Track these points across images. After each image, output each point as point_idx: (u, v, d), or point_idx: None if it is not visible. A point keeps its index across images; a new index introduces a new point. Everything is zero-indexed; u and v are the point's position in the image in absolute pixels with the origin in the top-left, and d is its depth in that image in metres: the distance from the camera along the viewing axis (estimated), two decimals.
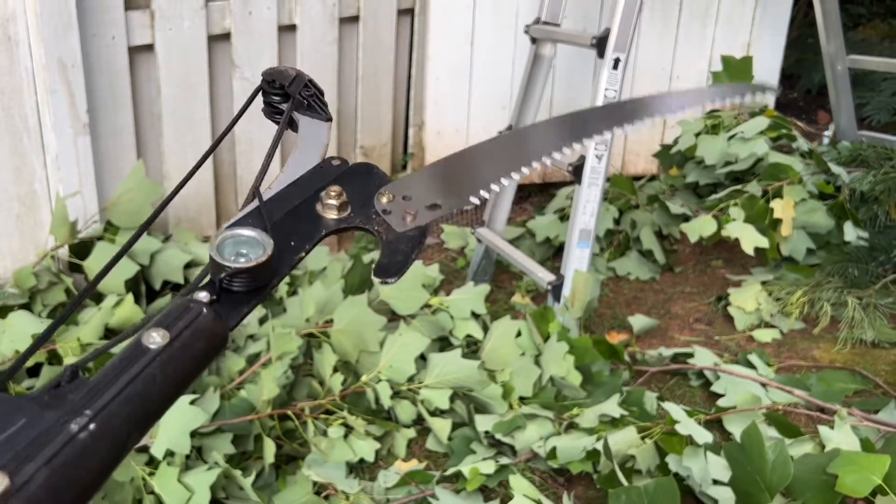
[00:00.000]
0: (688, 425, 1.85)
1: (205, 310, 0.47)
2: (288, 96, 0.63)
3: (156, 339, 0.44)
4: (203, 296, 0.48)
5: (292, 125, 0.64)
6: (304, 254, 0.54)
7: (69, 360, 1.93)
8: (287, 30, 2.83)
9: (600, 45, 2.31)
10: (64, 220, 2.23)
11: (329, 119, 0.64)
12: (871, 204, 3.00)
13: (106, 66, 2.39)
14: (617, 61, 2.31)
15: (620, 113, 0.71)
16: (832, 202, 2.88)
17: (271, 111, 0.66)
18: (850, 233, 2.81)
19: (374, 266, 0.55)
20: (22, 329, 1.93)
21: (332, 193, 0.56)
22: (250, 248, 0.51)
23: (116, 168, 2.49)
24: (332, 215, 0.56)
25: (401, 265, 0.55)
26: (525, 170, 0.63)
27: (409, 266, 0.55)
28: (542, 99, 2.95)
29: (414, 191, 0.59)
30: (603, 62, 2.32)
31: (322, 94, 0.64)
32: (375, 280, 0.55)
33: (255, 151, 2.85)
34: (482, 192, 0.60)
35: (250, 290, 0.50)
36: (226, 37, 2.67)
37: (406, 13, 3.22)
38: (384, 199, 0.58)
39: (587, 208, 2.40)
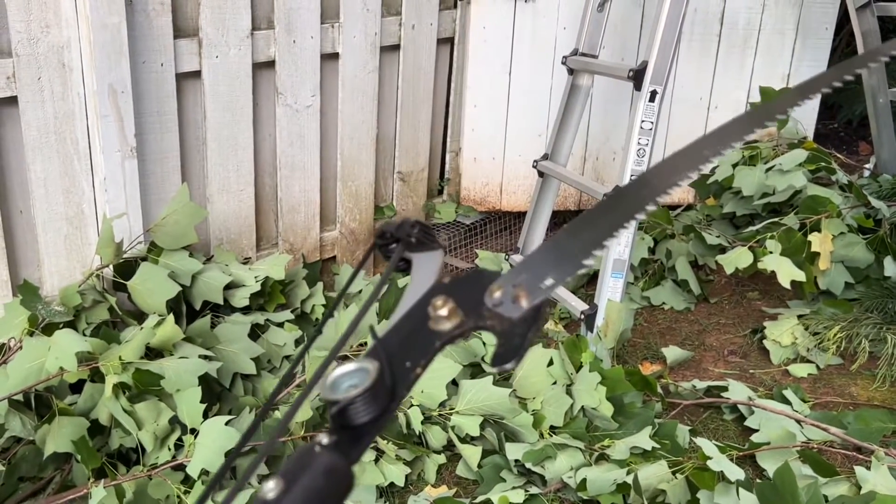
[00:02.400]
0: (720, 461, 1.83)
1: (317, 449, 0.48)
2: (399, 241, 0.67)
3: (271, 489, 0.46)
4: (323, 437, 0.50)
5: (406, 267, 0.67)
6: (420, 370, 0.55)
7: (111, 378, 1.98)
8: (329, 58, 2.89)
9: (637, 77, 2.33)
10: (110, 240, 2.29)
11: (441, 247, 0.67)
12: None
13: (154, 91, 2.47)
14: (654, 94, 2.32)
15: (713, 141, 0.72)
16: (872, 236, 2.85)
17: (389, 256, 0.70)
18: (891, 268, 2.77)
19: (491, 357, 0.56)
20: (66, 347, 1.99)
21: (438, 305, 0.57)
22: (358, 378, 0.52)
23: (162, 190, 2.56)
24: (443, 326, 0.57)
25: (517, 348, 0.55)
26: (629, 223, 0.64)
27: (526, 348, 0.55)
28: (579, 128, 2.98)
29: (524, 276, 0.59)
30: (640, 94, 2.34)
31: (430, 228, 0.68)
32: (492, 370, 0.56)
33: (295, 175, 2.91)
34: (594, 253, 0.61)
35: (369, 419, 0.51)
36: (270, 64, 2.73)
37: (445, 42, 3.27)
38: (496, 294, 0.58)
39: (622, 239, 2.41)
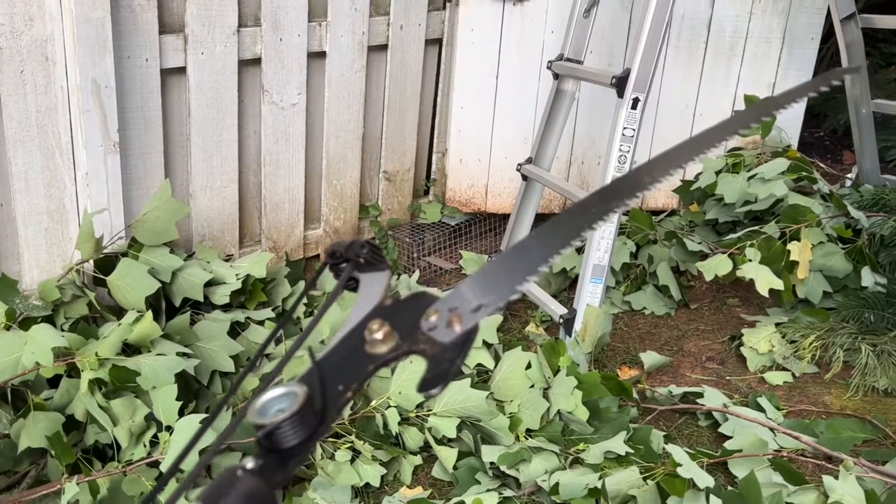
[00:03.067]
0: (690, 469, 1.85)
1: (239, 473, 0.49)
2: (348, 260, 0.68)
3: None
4: (250, 461, 0.51)
5: (356, 286, 0.67)
6: (350, 394, 0.56)
7: (87, 374, 1.98)
8: (316, 56, 2.90)
9: (620, 84, 2.34)
10: (90, 235, 2.29)
11: (389, 267, 0.67)
12: (892, 249, 2.98)
13: (139, 87, 2.46)
14: (636, 101, 2.34)
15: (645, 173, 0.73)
16: (851, 246, 2.88)
17: (338, 275, 0.71)
18: (868, 278, 2.80)
19: (419, 382, 0.56)
20: (43, 341, 1.99)
21: (374, 328, 0.58)
22: (287, 402, 0.53)
23: (144, 186, 2.56)
24: (378, 350, 0.57)
25: (444, 374, 0.55)
26: (564, 250, 0.65)
27: (452, 373, 0.56)
28: (564, 132, 2.99)
29: (459, 300, 0.60)
30: (622, 101, 2.35)
31: (379, 248, 0.68)
32: (419, 394, 0.56)
33: (280, 173, 2.91)
34: (528, 279, 0.62)
35: (297, 443, 0.52)
36: (256, 62, 2.74)
37: (434, 43, 3.27)
38: (432, 318, 0.59)
39: (601, 244, 2.43)
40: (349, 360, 0.57)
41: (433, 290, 0.64)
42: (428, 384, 0.55)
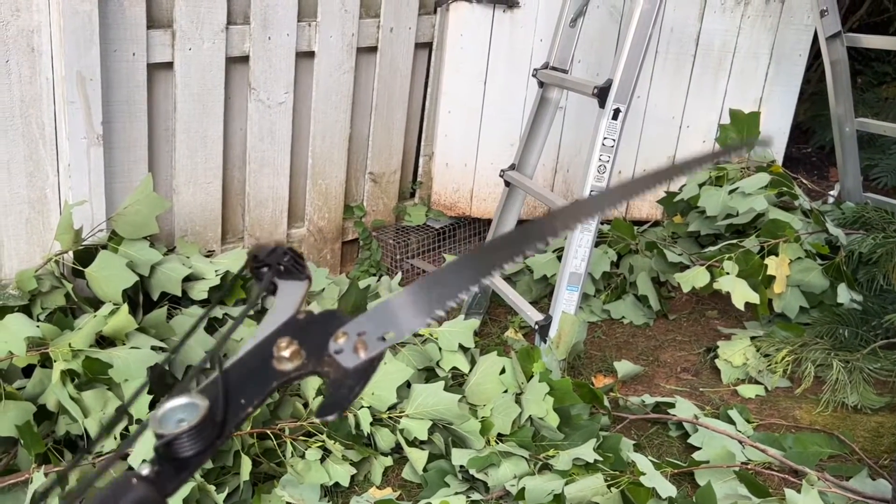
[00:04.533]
0: (653, 477, 1.87)
1: (134, 481, 0.50)
2: (268, 265, 0.68)
3: None
4: (145, 467, 0.52)
5: (273, 289, 0.68)
6: (251, 409, 0.56)
7: (59, 364, 1.99)
8: (305, 56, 2.91)
9: (601, 95, 2.36)
10: (69, 226, 2.30)
11: (308, 278, 0.67)
12: (871, 267, 3.01)
13: (125, 80, 2.47)
14: (617, 112, 2.36)
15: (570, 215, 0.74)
16: (829, 263, 2.90)
17: (259, 278, 0.71)
18: (844, 295, 2.83)
19: (318, 407, 0.58)
20: (16, 331, 2.00)
21: (282, 345, 0.58)
22: (188, 413, 0.53)
23: (127, 179, 2.57)
24: (284, 367, 0.58)
25: (343, 400, 0.56)
26: (473, 287, 0.66)
27: (352, 401, 0.57)
28: (550, 140, 3.01)
29: (368, 325, 0.60)
30: (603, 112, 2.37)
31: (301, 257, 0.69)
32: (316, 420, 0.57)
33: (264, 170, 2.92)
34: (437, 312, 0.62)
35: (194, 453, 0.52)
36: (244, 59, 2.75)
37: (423, 47, 3.29)
38: (339, 340, 0.59)
39: (578, 253, 2.44)
40: (255, 374, 0.58)
41: (343, 313, 0.65)
42: (326, 409, 0.56)
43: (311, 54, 2.92)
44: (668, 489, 1.88)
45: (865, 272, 3.00)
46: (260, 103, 2.83)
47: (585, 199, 0.82)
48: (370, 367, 0.58)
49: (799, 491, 1.93)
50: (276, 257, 0.67)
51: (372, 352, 0.58)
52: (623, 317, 3.09)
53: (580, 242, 2.44)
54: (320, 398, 2.23)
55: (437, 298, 0.63)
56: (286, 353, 0.58)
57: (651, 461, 1.99)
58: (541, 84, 2.77)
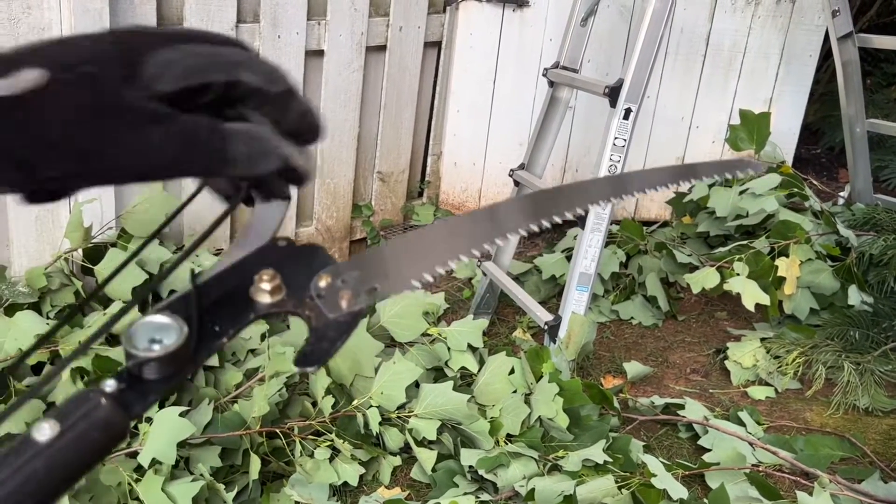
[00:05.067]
0: (664, 479, 1.86)
1: (103, 400, 0.45)
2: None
3: (45, 431, 0.42)
4: (110, 384, 0.46)
5: (249, 201, 0.62)
6: (226, 339, 0.52)
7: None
8: (314, 55, 2.91)
9: (612, 94, 2.35)
10: (78, 224, 2.30)
11: (288, 198, 0.64)
12: (881, 269, 2.99)
13: None
14: (628, 111, 2.35)
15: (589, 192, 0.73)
16: (839, 264, 2.88)
17: (233, 188, 0.67)
18: (854, 297, 2.81)
19: (297, 354, 0.53)
20: (26, 328, 2.00)
21: (265, 277, 0.54)
22: (164, 334, 0.49)
23: None
24: (264, 300, 0.54)
25: (324, 353, 0.52)
26: (475, 251, 0.63)
27: (333, 354, 0.52)
28: (560, 140, 3.00)
29: (354, 273, 0.56)
30: (614, 111, 2.36)
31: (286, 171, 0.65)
32: (295, 369, 0.54)
33: None
34: (426, 276, 0.57)
35: (163, 378, 0.48)
36: None
37: (433, 46, 3.28)
38: (322, 283, 0.55)
39: (588, 253, 2.43)
40: (232, 301, 0.53)
41: (326, 252, 0.61)
42: (306, 360, 0.52)
43: (320, 53, 2.92)
44: (679, 491, 1.87)
45: (876, 274, 2.98)
46: None
47: (628, 173, 0.77)
48: (353, 321, 0.54)
49: (811, 493, 1.91)
50: None
51: (356, 304, 0.54)
52: (632, 317, 3.08)
53: (590, 242, 2.43)
54: (329, 398, 2.23)
55: (434, 258, 0.59)
56: (267, 286, 0.54)
57: (662, 462, 1.98)
58: (551, 83, 2.76)
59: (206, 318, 0.52)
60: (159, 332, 0.49)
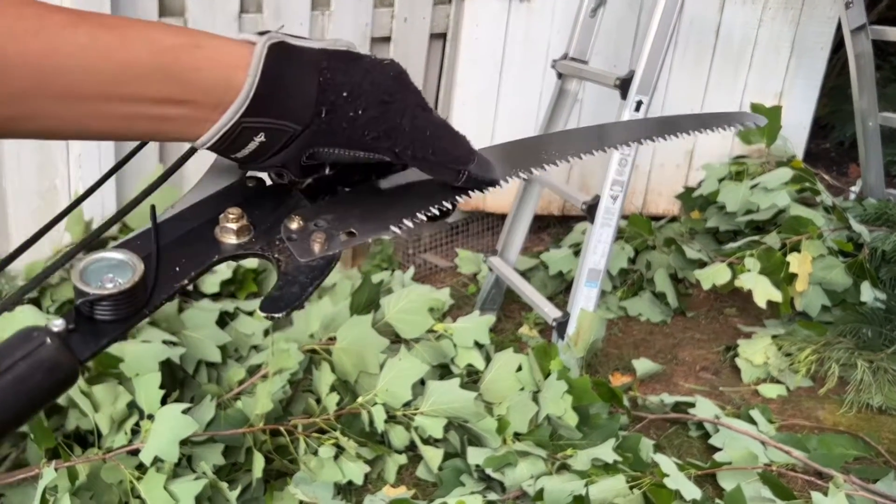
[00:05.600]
0: (677, 480, 1.82)
1: (48, 340, 0.41)
2: None
3: None
4: (58, 323, 0.42)
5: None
6: (186, 281, 0.48)
7: None
8: None
9: (624, 86, 2.30)
10: (79, 218, 2.26)
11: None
12: (893, 265, 2.95)
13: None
14: (639, 104, 2.30)
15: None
16: (852, 260, 2.84)
17: None
18: (867, 293, 2.76)
19: (264, 298, 0.49)
20: (27, 324, 1.95)
21: (231, 216, 0.51)
22: (118, 272, 0.45)
23: (138, 170, 2.52)
24: (229, 240, 0.51)
25: (293, 298, 0.48)
26: (460, 198, 0.59)
27: (302, 300, 0.49)
28: None
29: (329, 216, 0.53)
30: (625, 104, 2.32)
31: None
32: (260, 314, 0.49)
33: None
34: (405, 222, 0.54)
35: (115, 320, 0.44)
36: None
37: (438, 37, 3.24)
38: (293, 225, 0.52)
39: (598, 248, 2.39)
40: (195, 240, 0.50)
41: (298, 192, 0.56)
42: (273, 304, 0.48)
43: None
44: (692, 492, 1.83)
45: (888, 270, 2.94)
46: None
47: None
48: (327, 265, 0.50)
49: (826, 494, 1.87)
50: None
51: (331, 249, 0.51)
52: (640, 314, 3.04)
53: (600, 238, 2.39)
54: (334, 395, 2.19)
55: (415, 205, 0.55)
56: (233, 226, 0.50)
57: (675, 462, 1.94)
58: (559, 75, 2.71)
59: (165, 257, 0.48)
60: (113, 270, 0.45)
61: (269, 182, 0.55)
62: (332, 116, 0.50)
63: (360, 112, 0.50)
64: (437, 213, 0.56)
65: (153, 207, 0.50)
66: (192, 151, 0.56)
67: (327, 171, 0.54)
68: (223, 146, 0.50)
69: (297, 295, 0.49)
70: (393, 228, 0.54)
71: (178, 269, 0.48)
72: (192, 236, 0.50)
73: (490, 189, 0.58)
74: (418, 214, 0.55)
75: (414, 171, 0.57)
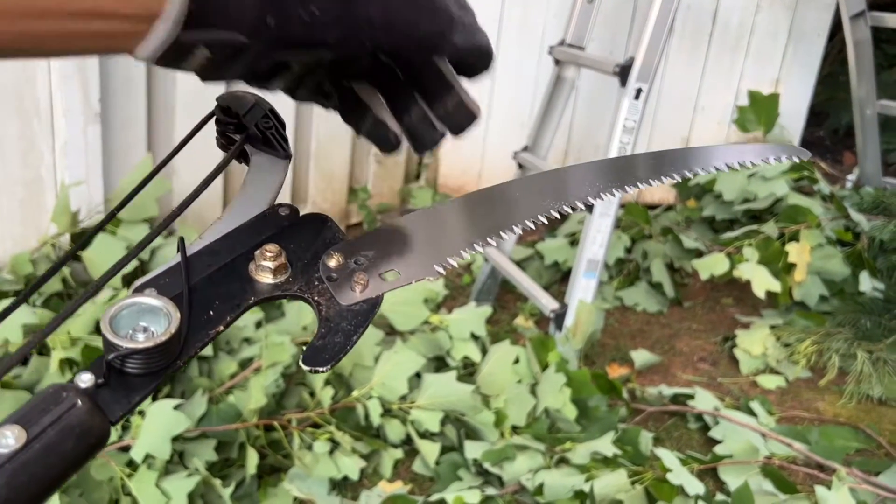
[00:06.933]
0: (680, 475, 1.79)
1: (79, 402, 0.37)
2: (244, 127, 0.54)
3: (8, 440, 0.36)
4: (86, 379, 0.39)
5: (245, 159, 0.55)
6: (222, 327, 0.44)
7: (58, 353, 1.90)
8: None
9: (623, 73, 2.26)
10: (66, 208, 2.20)
11: (288, 157, 0.54)
12: (891, 254, 2.93)
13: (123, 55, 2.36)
14: (639, 91, 2.26)
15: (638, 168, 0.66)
16: (850, 250, 2.81)
17: (224, 143, 0.56)
18: (866, 283, 2.74)
19: (306, 350, 0.45)
20: (12, 318, 1.90)
21: (269, 254, 0.47)
22: (151, 320, 0.41)
23: (125, 159, 2.46)
24: (265, 279, 0.47)
25: (338, 349, 0.44)
26: (506, 235, 0.55)
27: (347, 351, 0.45)
28: (562, 121, 2.91)
29: (369, 253, 0.49)
30: (624, 91, 2.27)
31: (283, 126, 0.55)
32: (304, 367, 0.44)
33: None
34: (450, 260, 0.50)
35: (148, 373, 0.40)
36: None
37: None
38: (332, 262, 0.48)
39: (597, 238, 2.35)
40: (227, 278, 0.45)
41: (334, 222, 0.52)
42: (317, 356, 0.44)
43: None
44: (695, 486, 1.81)
45: (885, 260, 2.92)
46: None
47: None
48: (369, 311, 0.46)
49: (829, 487, 1.85)
50: (254, 116, 0.53)
51: (372, 292, 0.46)
52: (636, 304, 3.01)
53: (599, 227, 2.35)
54: (328, 389, 2.15)
55: (462, 242, 0.51)
56: (271, 265, 0.46)
57: (677, 456, 1.91)
58: (556, 62, 2.66)
59: (197, 298, 0.44)
60: (145, 317, 0.41)
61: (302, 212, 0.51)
62: (281, 21, 0.43)
63: (315, 12, 0.44)
64: (480, 249, 0.52)
65: (181, 240, 0.45)
66: (190, 136, 0.52)
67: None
68: (167, 62, 0.45)
69: (342, 345, 0.45)
70: (437, 269, 0.49)
71: (211, 312, 0.44)
72: (225, 274, 0.46)
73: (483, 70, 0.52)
74: (463, 252, 0.51)
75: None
